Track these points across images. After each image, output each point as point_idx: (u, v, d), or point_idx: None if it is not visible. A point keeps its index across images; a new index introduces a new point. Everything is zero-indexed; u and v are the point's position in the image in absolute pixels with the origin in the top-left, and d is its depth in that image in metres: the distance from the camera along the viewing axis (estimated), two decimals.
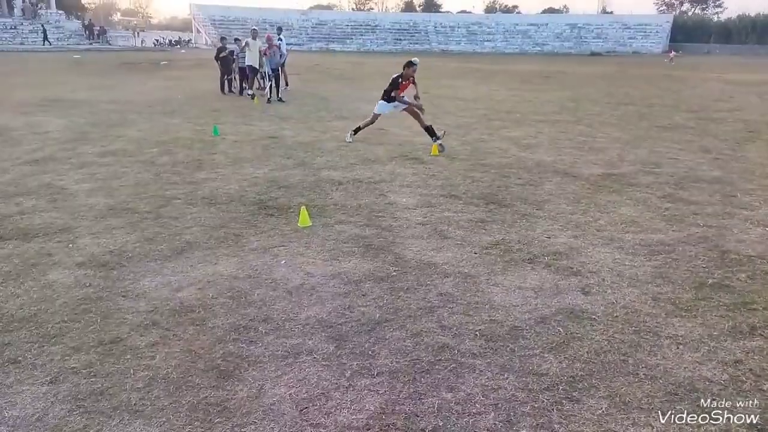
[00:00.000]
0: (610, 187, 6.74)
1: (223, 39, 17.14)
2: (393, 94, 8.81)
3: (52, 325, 3.40)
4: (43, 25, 42.50)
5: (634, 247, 4.77)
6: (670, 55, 41.75)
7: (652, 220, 5.49)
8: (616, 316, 3.53)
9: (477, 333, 3.31)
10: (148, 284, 4.01)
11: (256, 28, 16.62)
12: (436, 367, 2.97)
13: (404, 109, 9.01)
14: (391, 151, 8.81)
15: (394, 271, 4.26)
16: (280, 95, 15.09)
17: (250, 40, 15.50)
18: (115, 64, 28.16)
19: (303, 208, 5.42)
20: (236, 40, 17.03)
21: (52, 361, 3.02)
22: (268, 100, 14.70)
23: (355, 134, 9.41)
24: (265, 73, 15.34)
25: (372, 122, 9.28)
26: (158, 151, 8.53)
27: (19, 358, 3.05)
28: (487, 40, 62.22)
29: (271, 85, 14.98)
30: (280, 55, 15.58)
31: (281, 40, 16.67)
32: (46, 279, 4.06)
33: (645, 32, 64.02)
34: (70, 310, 3.59)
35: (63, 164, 7.62)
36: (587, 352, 3.12)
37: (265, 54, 15.03)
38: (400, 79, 8.71)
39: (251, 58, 15.48)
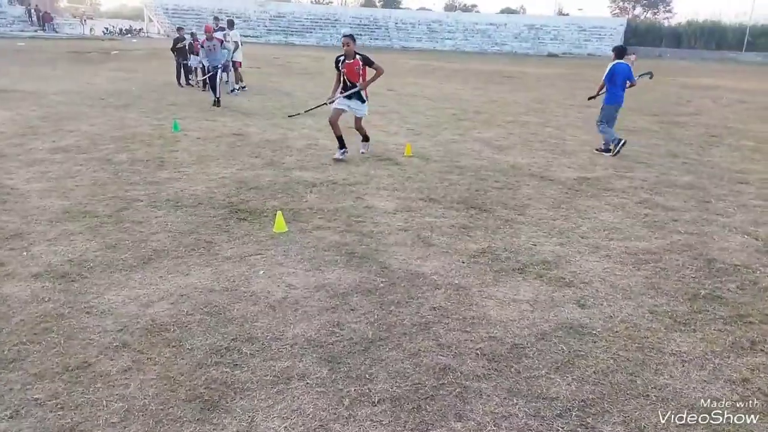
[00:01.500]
0: (587, 191, 6.71)
1: (180, 29, 16.46)
2: (347, 80, 7.55)
3: (9, 348, 3.03)
4: None
5: (621, 255, 4.71)
6: (632, 58, 41.99)
7: (633, 227, 5.45)
8: (617, 332, 3.42)
9: (478, 352, 3.13)
10: (114, 298, 3.67)
11: (231, 18, 16.22)
12: (441, 392, 2.78)
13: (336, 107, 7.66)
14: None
15: (382, 282, 4.05)
16: (218, 96, 12.48)
17: (229, 31, 14.96)
18: (63, 53, 26.78)
19: (279, 212, 5.14)
20: (192, 34, 16.37)
21: (12, 391, 2.68)
22: (215, 102, 12.41)
23: (342, 147, 7.82)
24: (204, 68, 13.42)
25: (332, 119, 7.72)
26: (115, 148, 8.02)
27: None
28: (448, 38, 62.46)
29: (206, 82, 12.79)
30: (228, 50, 13.55)
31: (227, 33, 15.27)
32: (0, 293, 3.66)
33: (600, 35, 65.59)
34: (28, 329, 3.23)
35: (11, 161, 7.06)
36: (594, 372, 2.98)
37: (202, 46, 13.01)
38: (342, 58, 7.45)
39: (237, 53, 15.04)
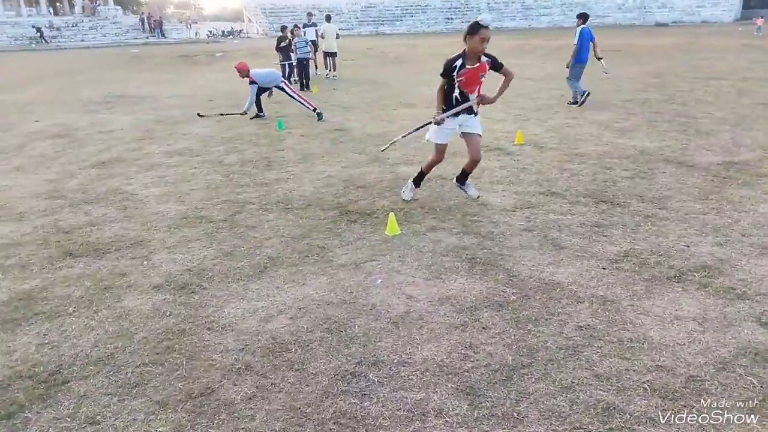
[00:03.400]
0: (738, 178, 5.83)
1: (284, 28, 16.70)
2: (456, 93, 4.97)
3: (132, 370, 2.94)
4: (33, 26, 43.63)
5: None
6: (759, 22, 36.85)
7: None
8: None
9: (646, 386, 2.63)
10: (233, 312, 3.52)
11: (329, 13, 18.00)
12: None
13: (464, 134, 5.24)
14: None
15: (513, 294, 3.61)
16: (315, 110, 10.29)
17: (326, 24, 16.24)
18: (173, 57, 28.38)
19: (391, 214, 4.83)
20: (283, 28, 16.67)
21: (136, 422, 2.55)
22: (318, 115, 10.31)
23: (417, 186, 5.61)
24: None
25: (439, 160, 5.40)
26: (225, 149, 8.13)
27: (98, 417, 2.59)
28: (544, 15, 59.59)
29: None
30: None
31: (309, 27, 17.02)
32: (122, 306, 3.63)
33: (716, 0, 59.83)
34: (150, 348, 3.14)
35: (130, 166, 7.32)
36: None
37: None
38: (461, 62, 4.80)
39: (328, 44, 16.83)
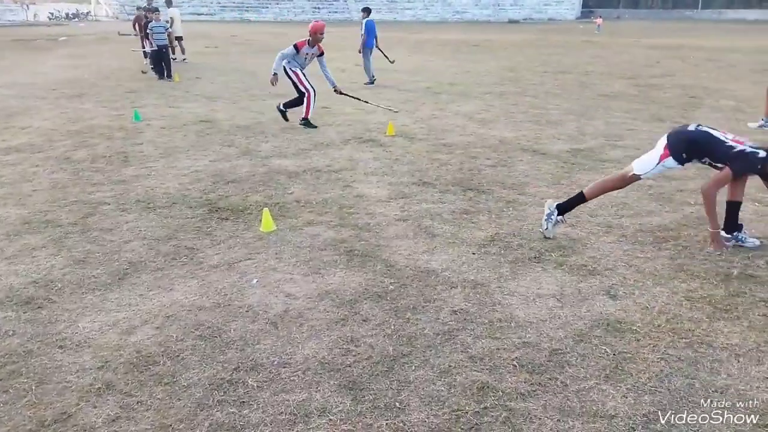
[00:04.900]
0: (583, 164, 6.41)
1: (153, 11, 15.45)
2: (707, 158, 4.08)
3: None
4: None
5: (637, 234, 4.42)
6: (598, 21, 40.57)
7: (641, 201, 5.18)
8: (659, 326, 3.12)
9: (515, 363, 2.79)
10: (89, 326, 3.19)
11: None
12: (485, 419, 2.42)
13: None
14: (343, 132, 8.10)
15: (391, 284, 3.66)
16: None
17: (171, 9, 15.61)
18: (6, 42, 25.17)
19: (266, 210, 4.67)
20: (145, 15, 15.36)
21: None
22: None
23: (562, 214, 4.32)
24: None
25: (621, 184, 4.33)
26: (72, 144, 7.36)
27: None
28: (408, 9, 61.41)
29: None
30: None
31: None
32: None
33: None
34: None
35: None
36: (648, 377, 2.67)
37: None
38: None
39: (175, 29, 16.55)
